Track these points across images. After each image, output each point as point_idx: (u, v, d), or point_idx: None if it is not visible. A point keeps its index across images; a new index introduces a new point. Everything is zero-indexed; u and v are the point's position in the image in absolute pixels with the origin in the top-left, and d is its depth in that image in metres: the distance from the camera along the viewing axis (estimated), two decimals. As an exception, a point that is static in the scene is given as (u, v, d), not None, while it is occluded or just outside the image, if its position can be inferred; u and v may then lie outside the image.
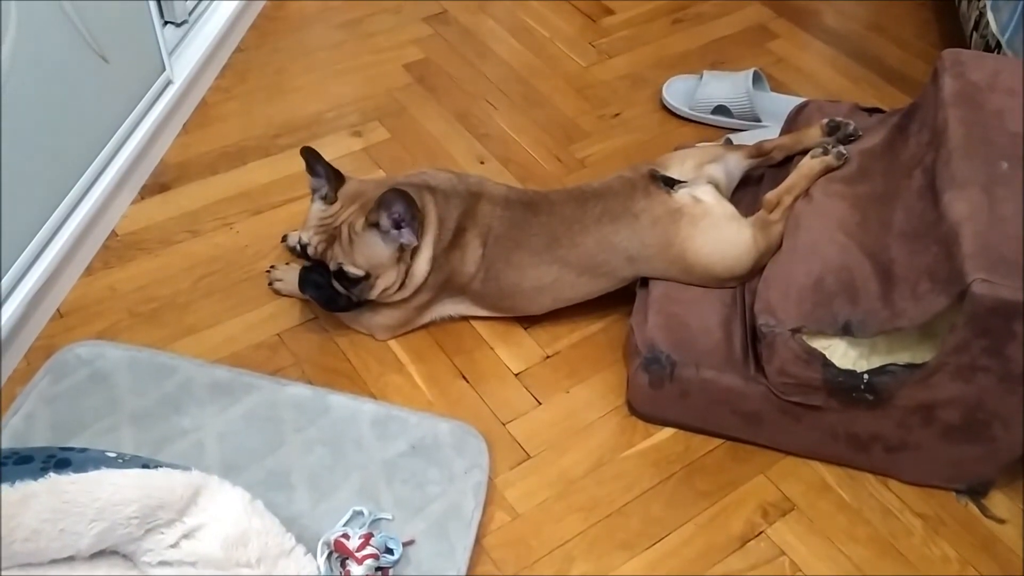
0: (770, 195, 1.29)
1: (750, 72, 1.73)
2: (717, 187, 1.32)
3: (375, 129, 1.69)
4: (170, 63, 1.56)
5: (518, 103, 1.78)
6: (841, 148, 1.30)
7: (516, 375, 1.33)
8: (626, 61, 1.89)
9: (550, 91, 1.81)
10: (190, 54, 1.65)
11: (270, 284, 1.40)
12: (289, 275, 1.38)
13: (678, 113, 1.77)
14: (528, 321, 1.39)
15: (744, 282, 1.29)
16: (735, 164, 1.37)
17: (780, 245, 1.25)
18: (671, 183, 1.29)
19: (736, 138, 1.64)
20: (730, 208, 1.29)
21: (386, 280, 1.26)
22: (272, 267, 1.41)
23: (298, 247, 1.31)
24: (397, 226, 1.23)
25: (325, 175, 1.26)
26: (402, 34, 1.91)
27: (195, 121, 1.66)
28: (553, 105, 1.78)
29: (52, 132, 1.28)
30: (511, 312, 1.37)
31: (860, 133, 1.33)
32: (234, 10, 1.77)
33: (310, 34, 1.89)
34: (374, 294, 1.27)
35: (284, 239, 1.46)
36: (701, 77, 1.76)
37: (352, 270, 1.23)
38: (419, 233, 1.25)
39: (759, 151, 1.38)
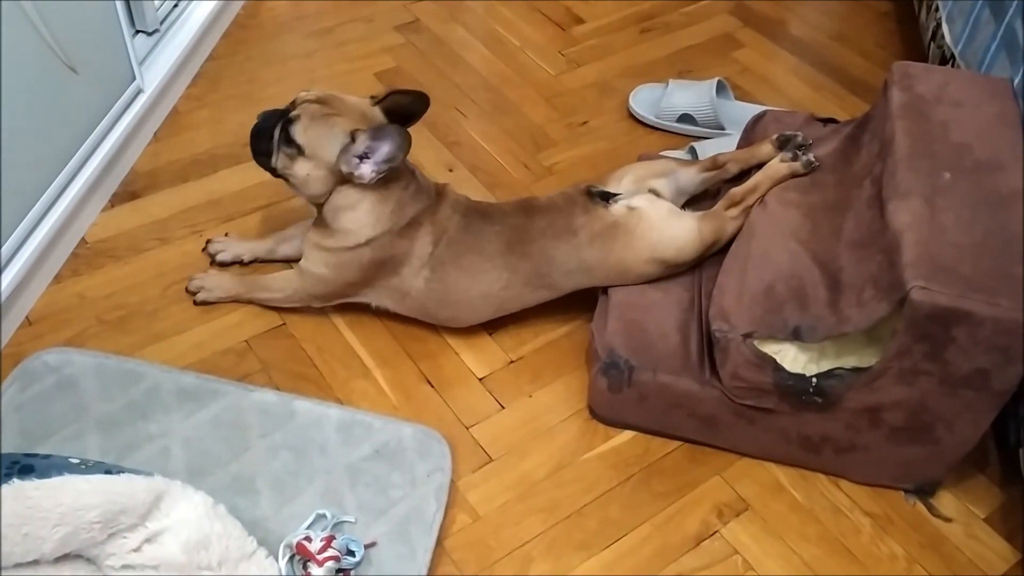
0: (734, 191, 1.32)
1: (714, 81, 1.76)
2: (658, 196, 1.35)
3: (345, 137, 1.71)
4: (140, 72, 1.58)
5: (487, 111, 1.81)
6: (810, 156, 1.32)
7: (480, 380, 1.36)
8: (594, 70, 1.92)
9: (519, 99, 1.84)
10: (161, 63, 1.67)
11: (195, 299, 1.39)
12: (210, 281, 1.40)
13: (644, 121, 1.80)
14: (492, 327, 1.42)
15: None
16: (688, 179, 1.40)
17: (730, 240, 1.30)
18: (607, 197, 1.32)
19: (700, 146, 1.67)
20: (665, 206, 1.32)
21: (307, 173, 1.25)
22: (191, 278, 1.41)
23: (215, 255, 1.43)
24: (364, 157, 1.23)
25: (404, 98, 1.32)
26: (374, 43, 1.93)
27: (166, 129, 1.68)
28: (522, 113, 1.81)
29: (21, 142, 1.29)
30: (447, 321, 1.38)
31: (810, 142, 1.36)
32: (206, 19, 1.78)
33: (282, 43, 1.91)
34: (292, 173, 1.27)
35: (206, 244, 1.48)
36: (667, 86, 1.80)
37: (297, 132, 1.24)
38: (379, 181, 1.25)
39: (713, 164, 1.41)
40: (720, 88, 1.77)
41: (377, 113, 1.29)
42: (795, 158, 1.32)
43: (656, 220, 1.30)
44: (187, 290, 1.41)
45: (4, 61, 1.22)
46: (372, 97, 1.31)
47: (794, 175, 1.32)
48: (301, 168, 1.26)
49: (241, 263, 1.46)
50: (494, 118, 1.79)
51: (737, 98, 1.82)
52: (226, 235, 1.49)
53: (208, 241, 1.47)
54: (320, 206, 1.30)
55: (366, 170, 1.24)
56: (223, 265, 1.46)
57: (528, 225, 1.32)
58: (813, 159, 1.32)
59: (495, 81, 1.88)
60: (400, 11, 2.02)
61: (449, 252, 1.31)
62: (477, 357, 1.39)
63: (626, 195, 1.33)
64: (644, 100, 1.82)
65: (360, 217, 1.28)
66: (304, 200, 1.33)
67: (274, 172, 1.30)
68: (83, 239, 1.47)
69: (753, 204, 1.32)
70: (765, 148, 1.38)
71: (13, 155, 1.28)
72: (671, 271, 1.33)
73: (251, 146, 1.31)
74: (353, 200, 1.27)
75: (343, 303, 1.38)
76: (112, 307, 1.39)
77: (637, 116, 1.81)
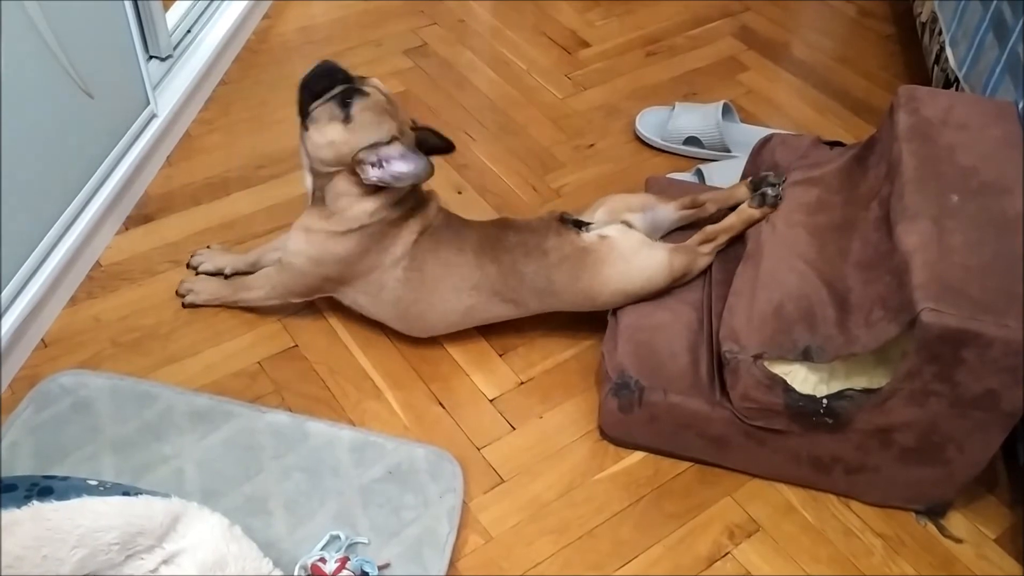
0: (709, 229, 1.37)
1: (720, 104, 1.78)
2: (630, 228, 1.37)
3: (355, 160, 1.73)
4: (154, 97, 1.60)
5: (495, 134, 1.83)
6: (768, 191, 1.35)
7: (491, 401, 1.37)
8: (601, 93, 1.94)
9: (527, 122, 1.86)
10: (175, 87, 1.69)
11: (183, 301, 1.43)
12: (199, 284, 1.43)
13: (651, 144, 1.82)
14: (502, 348, 1.43)
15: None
16: (665, 215, 1.42)
17: (699, 274, 1.35)
18: (580, 224, 1.35)
19: (706, 168, 1.69)
20: (637, 236, 1.34)
21: (333, 140, 1.25)
22: (181, 281, 1.45)
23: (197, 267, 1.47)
24: (378, 163, 1.25)
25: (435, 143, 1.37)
26: (383, 67, 1.96)
27: (179, 153, 1.70)
28: (529, 135, 1.83)
29: (38, 166, 1.31)
30: (416, 321, 1.37)
31: (783, 179, 1.38)
32: (218, 44, 1.81)
33: (292, 67, 1.93)
34: (320, 130, 1.25)
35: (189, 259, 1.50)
36: (673, 109, 1.82)
37: (357, 104, 1.24)
38: (387, 197, 1.28)
39: (693, 203, 1.43)
40: (726, 111, 1.79)
41: (412, 135, 1.32)
42: (762, 203, 1.35)
43: (627, 250, 1.32)
44: (177, 292, 1.44)
45: (22, 86, 1.24)
46: (413, 120, 1.34)
47: (765, 216, 1.35)
48: (332, 132, 1.25)
49: (223, 275, 1.48)
50: (502, 140, 1.81)
51: (742, 120, 1.84)
52: (208, 247, 1.51)
53: (192, 255, 1.50)
54: (320, 184, 1.30)
55: (374, 173, 1.25)
56: (206, 275, 1.48)
57: (502, 237, 1.35)
58: (772, 192, 1.35)
59: (503, 104, 1.90)
60: (408, 35, 2.05)
61: (430, 242, 1.33)
62: (487, 378, 1.39)
63: (598, 224, 1.35)
64: (650, 123, 1.83)
65: (361, 203, 1.29)
66: (305, 167, 1.32)
67: (305, 115, 1.28)
68: (98, 262, 1.49)
69: (725, 243, 1.37)
70: (741, 190, 1.41)
71: (30, 179, 1.29)
72: (639, 299, 1.34)
73: (307, 80, 1.28)
74: (354, 188, 1.28)
75: (342, 316, 1.41)
76: (126, 329, 1.40)
77: (643, 139, 1.83)
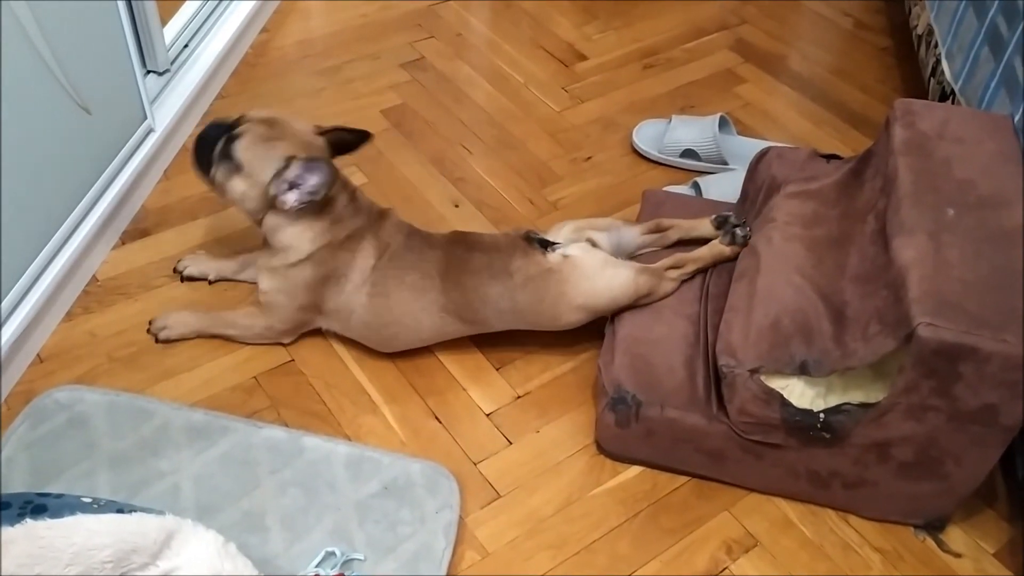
0: (679, 256, 1.38)
1: (716, 117, 1.78)
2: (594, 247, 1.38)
3: (353, 174, 1.72)
4: (152, 112, 1.60)
5: (492, 147, 1.83)
6: (737, 231, 1.37)
7: (487, 415, 1.36)
8: (598, 106, 1.95)
9: (524, 135, 1.86)
10: (172, 102, 1.69)
11: (157, 337, 1.40)
12: (171, 319, 1.40)
13: (648, 156, 1.82)
14: (499, 361, 1.42)
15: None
16: (630, 238, 1.42)
17: (664, 297, 1.35)
18: (546, 244, 1.35)
19: (703, 181, 1.69)
20: (600, 255, 1.35)
21: (243, 191, 1.29)
22: (152, 321, 1.41)
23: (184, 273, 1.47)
24: (292, 186, 1.26)
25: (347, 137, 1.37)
26: (380, 80, 1.96)
27: (176, 167, 1.70)
28: (527, 149, 1.83)
29: (34, 181, 1.31)
30: (391, 340, 1.38)
31: (743, 220, 1.40)
32: (216, 58, 1.81)
33: (290, 81, 1.94)
34: (228, 188, 1.30)
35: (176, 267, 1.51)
36: (670, 121, 1.82)
37: (238, 149, 1.27)
38: (304, 212, 1.28)
39: (657, 228, 1.44)
40: (723, 123, 1.80)
41: (319, 142, 1.32)
42: (732, 240, 1.37)
43: (589, 269, 1.32)
44: (148, 331, 1.41)
45: (20, 102, 1.24)
46: (317, 127, 1.34)
47: (736, 253, 1.37)
48: (237, 185, 1.29)
49: (207, 281, 1.49)
50: (499, 154, 1.81)
51: (739, 133, 1.84)
52: (194, 253, 1.52)
53: (178, 261, 1.50)
54: (262, 227, 1.33)
55: (291, 198, 1.27)
56: (190, 280, 1.49)
57: (467, 258, 1.34)
58: (740, 232, 1.37)
59: (500, 117, 1.90)
60: (406, 49, 2.05)
61: (392, 266, 1.33)
62: (484, 393, 1.39)
63: (564, 244, 1.35)
64: (647, 135, 1.84)
65: (298, 232, 1.31)
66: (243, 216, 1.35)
67: (211, 184, 1.32)
68: (94, 277, 1.49)
69: (692, 273, 1.37)
70: (705, 225, 1.43)
71: (27, 194, 1.29)
72: (603, 316, 1.35)
73: (192, 154, 1.34)
74: (286, 220, 1.30)
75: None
76: (122, 344, 1.39)
77: (640, 151, 1.83)
